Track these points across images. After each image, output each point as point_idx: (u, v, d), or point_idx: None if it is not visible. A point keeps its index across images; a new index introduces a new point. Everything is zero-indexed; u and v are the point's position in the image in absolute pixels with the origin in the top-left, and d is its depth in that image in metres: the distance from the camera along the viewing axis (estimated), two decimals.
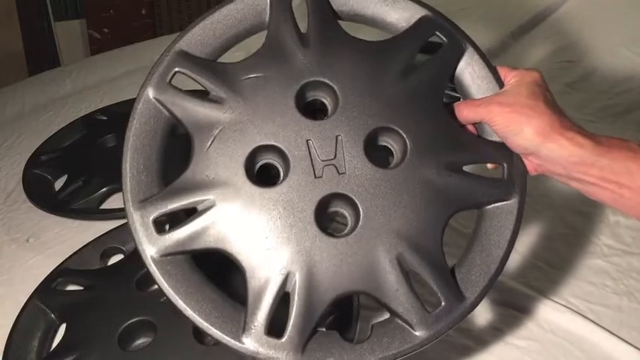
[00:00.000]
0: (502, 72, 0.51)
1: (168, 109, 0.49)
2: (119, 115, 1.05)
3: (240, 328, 0.44)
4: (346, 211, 0.48)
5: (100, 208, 0.81)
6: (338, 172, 0.47)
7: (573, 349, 0.60)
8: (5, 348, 0.56)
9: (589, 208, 0.76)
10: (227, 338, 0.43)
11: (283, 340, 0.43)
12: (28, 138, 1.04)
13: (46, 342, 0.59)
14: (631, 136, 0.84)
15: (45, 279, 0.64)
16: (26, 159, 0.93)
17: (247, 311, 0.44)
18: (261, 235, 0.45)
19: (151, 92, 0.49)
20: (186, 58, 0.49)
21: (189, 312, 0.44)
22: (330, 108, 0.50)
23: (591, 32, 1.06)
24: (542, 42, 1.10)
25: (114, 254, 0.70)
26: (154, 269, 0.45)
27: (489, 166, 0.50)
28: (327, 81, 0.49)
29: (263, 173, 0.48)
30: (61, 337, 0.58)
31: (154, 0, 2.27)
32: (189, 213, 0.46)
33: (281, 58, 0.49)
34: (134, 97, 1.20)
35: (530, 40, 1.11)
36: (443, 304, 0.45)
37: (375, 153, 0.49)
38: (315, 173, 0.47)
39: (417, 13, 0.52)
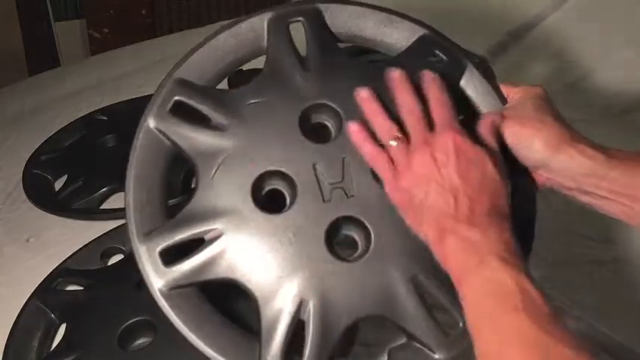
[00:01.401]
0: (505, 89, 0.51)
1: (169, 139, 0.48)
2: (119, 115, 1.05)
3: (256, 359, 0.43)
4: (356, 235, 0.47)
5: (100, 208, 0.81)
6: (346, 194, 0.46)
7: None
8: (5, 348, 0.56)
9: None
10: None
11: None
12: (28, 138, 1.04)
13: (46, 342, 0.59)
14: (631, 136, 0.85)
15: (45, 279, 0.64)
16: (26, 159, 0.93)
17: (262, 341, 0.43)
18: (272, 263, 0.44)
19: (151, 122, 0.49)
20: (185, 85, 0.49)
21: (202, 346, 0.43)
22: (333, 130, 0.49)
23: (591, 32, 1.06)
24: (542, 42, 1.10)
25: (114, 254, 0.70)
26: (163, 303, 0.44)
27: None
28: (330, 103, 0.48)
29: (268, 198, 0.48)
30: (61, 337, 0.58)
31: (154, 0, 2.27)
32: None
33: (282, 82, 0.49)
34: (134, 97, 1.21)
35: (530, 41, 1.11)
36: (460, 325, 0.44)
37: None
38: (323, 197, 0.46)
39: (416, 32, 0.52)
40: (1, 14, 2.20)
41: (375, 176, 0.47)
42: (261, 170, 0.46)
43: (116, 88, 1.23)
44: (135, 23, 2.29)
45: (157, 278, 0.44)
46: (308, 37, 0.51)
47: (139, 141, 0.48)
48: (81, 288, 0.64)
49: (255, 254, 0.44)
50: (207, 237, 0.45)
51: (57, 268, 0.66)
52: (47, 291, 0.62)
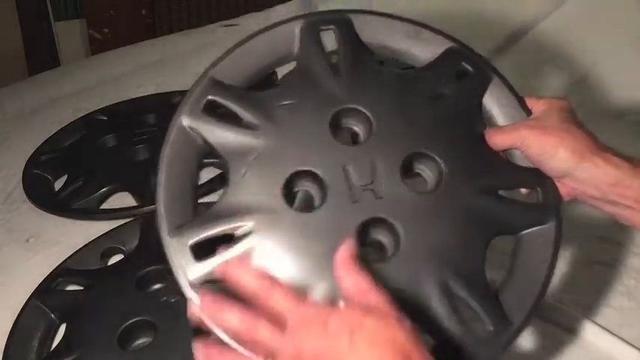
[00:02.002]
0: (529, 102, 0.51)
1: (202, 137, 0.48)
2: (119, 115, 1.05)
3: None
4: (385, 237, 0.47)
5: (100, 208, 0.81)
6: (375, 196, 0.46)
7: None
8: (5, 348, 0.56)
9: None
10: None
11: None
12: (28, 138, 1.04)
13: (46, 342, 0.59)
14: (631, 136, 0.85)
15: (45, 279, 0.64)
16: (26, 159, 0.93)
17: None
18: (302, 260, 0.44)
19: (184, 120, 0.49)
20: (218, 85, 0.49)
21: (231, 342, 0.42)
22: (362, 135, 0.50)
23: (591, 32, 1.06)
24: (541, 42, 1.10)
25: (114, 254, 0.70)
26: (192, 296, 0.44)
27: (523, 191, 0.50)
28: (360, 108, 0.49)
29: (294, 198, 0.48)
30: (61, 337, 0.58)
31: (154, 0, 2.27)
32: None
33: (313, 86, 0.50)
34: (134, 97, 1.21)
35: (530, 41, 1.11)
36: (491, 329, 0.45)
37: (412, 178, 0.49)
38: (352, 198, 0.46)
39: (443, 45, 0.53)
40: (1, 14, 2.20)
41: (404, 180, 0.47)
42: (293, 170, 0.47)
43: (116, 88, 1.23)
44: (135, 23, 2.29)
45: (187, 272, 0.44)
46: (339, 44, 0.52)
47: (171, 137, 0.48)
48: (81, 288, 0.64)
49: (285, 251, 0.44)
50: (237, 233, 0.45)
51: (57, 268, 0.66)
52: (47, 291, 0.62)
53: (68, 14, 2.35)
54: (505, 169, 0.50)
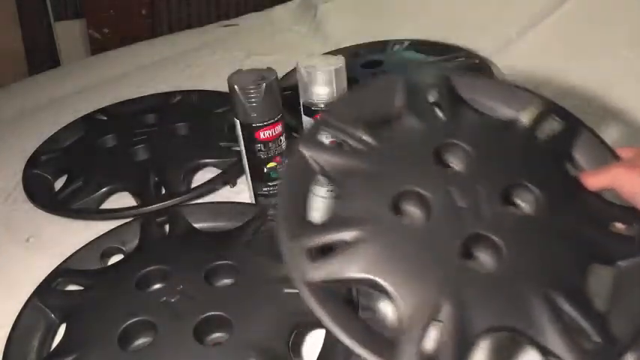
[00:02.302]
0: (618, 150, 0.54)
1: (318, 163, 0.54)
2: (119, 115, 1.05)
3: (394, 353, 0.44)
4: (488, 252, 0.49)
5: (100, 208, 0.81)
6: (478, 217, 0.50)
7: None
8: (5, 348, 0.56)
9: None
10: None
11: None
12: (28, 138, 1.04)
13: (46, 342, 0.59)
14: (631, 135, 0.85)
15: (45, 279, 0.64)
16: (26, 159, 0.93)
17: (400, 338, 0.44)
18: (410, 267, 0.47)
19: (303, 150, 0.54)
20: (330, 123, 0.56)
21: (345, 338, 0.44)
22: (463, 166, 0.55)
23: (591, 32, 1.06)
24: (541, 42, 1.10)
25: (114, 254, 0.70)
26: (308, 294, 0.46)
27: (620, 226, 0.52)
28: (461, 143, 0.55)
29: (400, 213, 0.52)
30: (61, 337, 0.58)
31: (154, 0, 2.27)
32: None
33: (419, 122, 0.57)
34: (134, 97, 1.21)
35: (529, 41, 1.11)
36: (598, 342, 0.45)
37: (512, 205, 0.52)
38: (456, 216, 0.50)
39: (533, 102, 0.58)
40: (1, 14, 2.20)
41: (505, 205, 0.51)
42: (400, 189, 0.51)
43: (116, 88, 1.23)
44: (135, 23, 2.29)
45: (303, 272, 0.47)
46: (440, 96, 0.58)
47: (292, 164, 0.55)
48: (81, 288, 0.64)
49: (395, 259, 0.47)
50: (349, 240, 0.48)
51: (57, 268, 0.66)
52: (47, 291, 0.62)
53: (68, 14, 2.35)
54: (601, 203, 0.53)
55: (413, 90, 0.59)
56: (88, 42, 2.32)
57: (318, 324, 0.55)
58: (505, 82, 0.62)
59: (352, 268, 0.47)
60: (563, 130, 0.57)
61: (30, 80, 1.42)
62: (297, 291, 0.56)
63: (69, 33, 2.35)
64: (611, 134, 0.85)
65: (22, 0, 2.21)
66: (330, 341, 0.53)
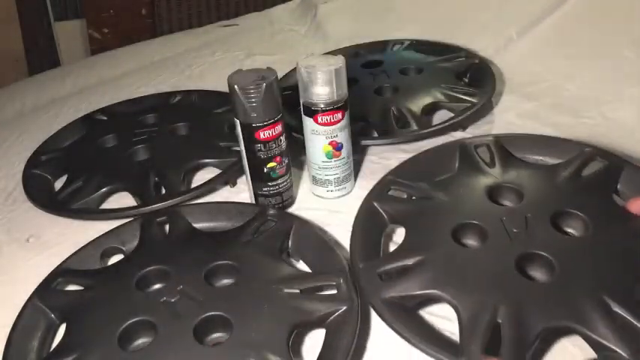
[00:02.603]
0: None
1: (384, 210, 0.66)
2: (119, 115, 1.05)
3: (460, 352, 0.49)
4: (541, 273, 0.55)
5: (100, 208, 0.81)
6: (530, 238, 0.57)
7: None
8: (5, 348, 0.56)
9: None
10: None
11: (499, 356, 0.47)
12: (28, 138, 1.04)
13: (46, 342, 0.59)
14: (632, 134, 0.85)
15: (45, 279, 0.64)
16: (26, 159, 0.93)
17: (462, 340, 0.50)
18: (467, 280, 0.54)
19: (374, 202, 0.67)
20: (396, 181, 0.70)
21: (417, 343, 0.50)
22: (514, 203, 0.64)
23: (591, 32, 1.06)
24: (541, 42, 1.10)
25: (114, 254, 0.70)
26: (382, 310, 0.53)
27: None
28: (511, 185, 0.65)
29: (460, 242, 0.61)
30: (61, 337, 0.57)
31: (154, 0, 2.27)
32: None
33: (474, 172, 0.68)
34: (134, 97, 1.21)
35: (529, 41, 1.11)
36: None
37: (562, 232, 0.59)
38: (509, 239, 0.57)
39: (575, 150, 0.67)
40: (1, 14, 2.20)
41: (554, 228, 0.58)
42: (459, 221, 0.60)
43: (116, 88, 1.23)
44: (135, 23, 2.29)
45: (376, 292, 0.55)
46: (491, 153, 0.70)
47: (363, 212, 0.66)
48: (81, 288, 0.63)
49: (453, 274, 0.55)
50: (412, 264, 0.57)
51: (57, 268, 0.65)
52: (47, 291, 0.62)
53: (68, 14, 2.35)
54: None
55: (466, 151, 0.71)
56: (88, 42, 2.32)
57: (318, 324, 0.55)
58: (549, 137, 0.72)
59: (418, 285, 0.55)
60: (606, 166, 0.65)
61: (30, 80, 1.42)
62: (297, 291, 0.57)
63: (69, 33, 2.35)
64: (611, 134, 0.85)
65: (22, 0, 2.21)
66: (330, 341, 0.53)
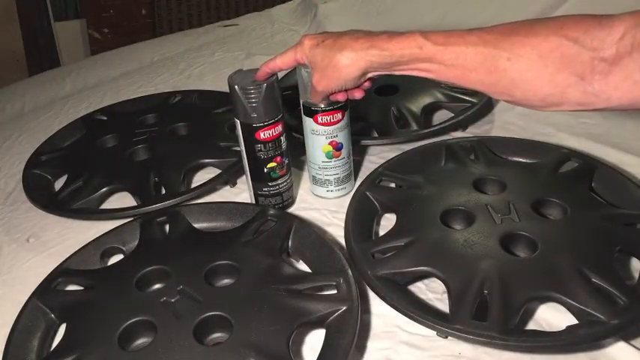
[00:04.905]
0: None
1: (377, 199, 0.71)
2: (119, 115, 1.05)
3: (450, 319, 0.53)
4: (525, 247, 0.60)
5: (100, 208, 0.81)
6: (514, 221, 0.62)
7: None
8: (5, 348, 0.56)
9: None
10: (439, 326, 0.52)
11: (487, 322, 0.51)
12: (28, 138, 1.04)
13: (46, 342, 0.59)
14: (631, 133, 0.85)
15: (45, 279, 0.64)
16: (26, 159, 0.93)
17: (451, 306, 0.54)
18: (456, 256, 0.58)
19: (367, 192, 0.71)
20: (387, 172, 0.75)
21: (408, 313, 0.54)
22: (497, 191, 0.68)
23: None
24: None
25: (114, 254, 0.70)
26: (375, 284, 0.57)
27: None
28: (493, 177, 0.70)
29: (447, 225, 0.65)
30: (61, 337, 0.57)
31: (154, 0, 2.27)
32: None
33: (459, 165, 0.74)
34: (134, 97, 1.21)
35: None
36: (625, 301, 0.52)
37: (542, 216, 0.64)
38: (494, 222, 0.62)
39: (550, 152, 0.75)
40: (1, 14, 2.20)
41: (535, 212, 0.63)
42: (445, 207, 0.65)
43: (116, 88, 1.23)
44: (135, 23, 2.29)
45: (370, 269, 0.59)
46: (475, 151, 0.76)
47: (355, 201, 0.70)
48: (81, 288, 0.63)
49: (442, 251, 0.59)
50: (404, 244, 0.62)
51: (57, 268, 0.65)
52: (47, 291, 0.62)
53: (68, 14, 2.35)
54: (627, 211, 0.64)
55: (452, 149, 0.77)
56: (88, 42, 2.32)
57: (318, 324, 0.55)
58: (530, 141, 0.79)
59: (410, 263, 0.59)
60: (580, 165, 0.71)
61: (30, 80, 1.41)
62: (297, 291, 0.57)
63: (69, 33, 2.34)
64: (611, 134, 0.85)
65: (22, 0, 2.21)
66: (330, 341, 0.53)
